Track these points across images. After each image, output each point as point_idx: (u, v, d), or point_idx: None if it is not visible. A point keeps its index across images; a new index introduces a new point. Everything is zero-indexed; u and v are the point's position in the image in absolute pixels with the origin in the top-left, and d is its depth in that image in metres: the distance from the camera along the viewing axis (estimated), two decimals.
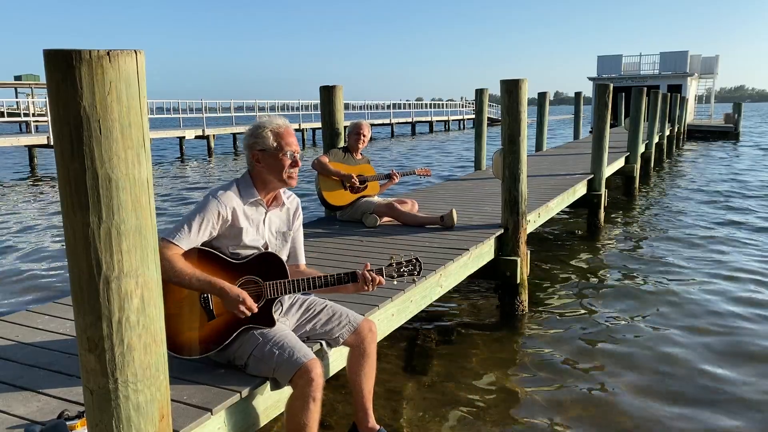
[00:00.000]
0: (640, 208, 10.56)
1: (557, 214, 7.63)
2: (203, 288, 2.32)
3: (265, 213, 2.55)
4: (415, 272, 2.64)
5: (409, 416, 3.48)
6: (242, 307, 2.32)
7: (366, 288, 2.56)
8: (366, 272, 2.55)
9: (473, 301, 5.59)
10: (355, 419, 2.81)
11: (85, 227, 1.44)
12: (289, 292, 2.47)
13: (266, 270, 2.45)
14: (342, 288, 2.59)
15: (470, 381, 3.95)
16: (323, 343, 2.66)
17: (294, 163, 2.48)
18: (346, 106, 37.73)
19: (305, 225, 5.63)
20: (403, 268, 2.63)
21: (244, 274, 2.42)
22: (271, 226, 2.58)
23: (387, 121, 41.56)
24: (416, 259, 2.66)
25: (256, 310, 2.37)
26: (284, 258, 2.66)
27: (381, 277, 2.58)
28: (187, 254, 2.35)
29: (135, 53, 1.44)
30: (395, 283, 2.66)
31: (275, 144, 2.45)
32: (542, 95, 14.03)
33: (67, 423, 1.99)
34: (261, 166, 2.48)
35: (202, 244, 2.40)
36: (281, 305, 2.63)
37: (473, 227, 5.27)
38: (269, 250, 2.55)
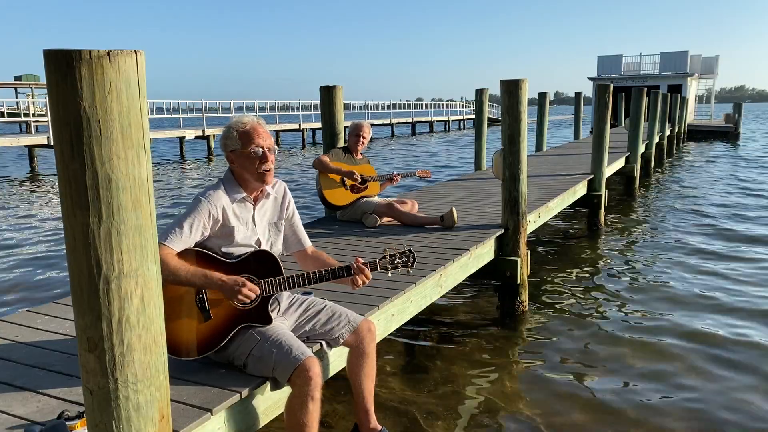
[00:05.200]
0: (640, 209, 10.56)
1: (557, 214, 7.63)
2: (200, 283, 2.32)
3: (253, 209, 2.56)
4: (409, 263, 2.65)
5: (410, 416, 3.48)
6: (245, 291, 2.32)
7: (358, 281, 2.54)
8: (358, 265, 2.55)
9: (473, 301, 5.59)
10: (356, 420, 2.81)
11: (85, 227, 1.44)
12: (285, 289, 2.47)
13: (261, 268, 2.45)
14: (341, 281, 2.59)
15: (470, 381, 3.95)
16: (323, 343, 2.66)
17: (263, 159, 2.45)
18: (346, 106, 37.72)
19: (305, 225, 5.63)
20: (397, 260, 2.64)
21: (239, 273, 2.43)
22: (262, 220, 2.59)
23: (387, 121, 41.54)
24: (409, 250, 2.67)
25: (258, 291, 2.37)
26: (279, 247, 2.67)
27: (367, 269, 2.56)
28: (181, 255, 2.35)
29: (135, 53, 1.44)
30: (389, 275, 2.66)
31: (240, 143, 2.45)
32: (542, 95, 14.03)
33: (67, 423, 1.99)
34: (236, 166, 2.50)
35: (195, 245, 2.41)
36: (279, 304, 2.63)
37: (473, 227, 5.27)
38: (263, 244, 2.56)
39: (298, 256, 2.80)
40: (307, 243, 2.79)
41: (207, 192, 2.45)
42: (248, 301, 2.35)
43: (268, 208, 2.63)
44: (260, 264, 2.46)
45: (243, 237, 2.49)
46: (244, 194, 2.52)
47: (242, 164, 2.47)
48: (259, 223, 2.57)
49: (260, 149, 2.45)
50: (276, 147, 2.55)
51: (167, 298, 2.30)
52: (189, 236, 2.37)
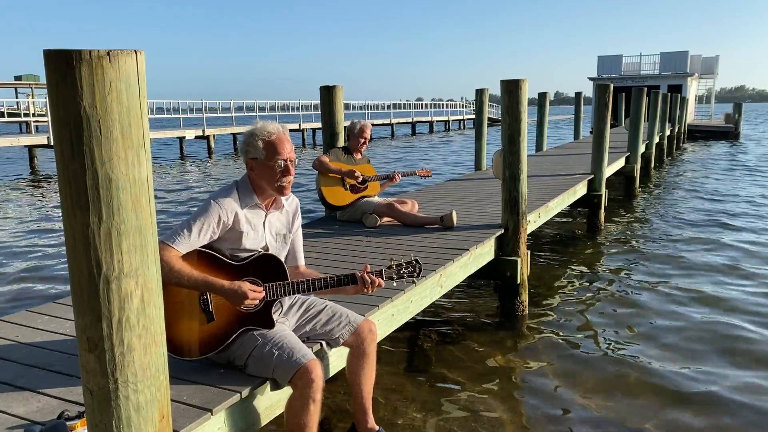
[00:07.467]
0: (640, 209, 10.56)
1: (557, 214, 7.63)
2: (202, 288, 2.32)
3: (265, 216, 2.55)
4: (415, 274, 2.64)
5: (409, 417, 3.48)
6: (251, 295, 2.31)
7: (365, 290, 2.56)
8: (366, 274, 2.55)
9: (473, 301, 5.59)
10: (354, 420, 2.81)
11: (85, 227, 1.44)
12: (289, 294, 2.47)
13: (266, 271, 2.45)
14: (342, 289, 2.59)
15: (470, 381, 3.95)
16: (323, 343, 2.66)
17: (285, 172, 2.45)
18: (346, 106, 37.67)
19: (305, 225, 5.63)
20: (403, 269, 2.63)
21: (245, 276, 2.42)
22: (271, 228, 2.58)
23: (387, 121, 41.52)
24: (416, 260, 2.67)
25: (262, 294, 2.36)
26: (282, 260, 2.66)
27: (380, 279, 2.58)
28: (187, 255, 2.35)
29: (135, 53, 1.44)
30: (395, 285, 2.66)
31: (265, 153, 2.43)
32: (542, 95, 14.02)
33: (67, 423, 1.99)
34: (254, 174, 2.48)
35: (202, 246, 2.40)
36: (281, 306, 2.63)
37: (473, 227, 5.27)
38: (270, 251, 2.55)
39: (288, 272, 2.79)
40: (302, 261, 2.78)
41: (219, 196, 2.43)
42: (254, 304, 2.35)
43: (278, 218, 2.62)
44: (266, 267, 2.46)
45: (251, 242, 2.48)
46: (258, 201, 2.50)
47: (262, 173, 2.45)
48: (268, 230, 2.56)
49: (284, 162, 2.43)
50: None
51: (171, 297, 2.30)
52: (197, 239, 2.36)
